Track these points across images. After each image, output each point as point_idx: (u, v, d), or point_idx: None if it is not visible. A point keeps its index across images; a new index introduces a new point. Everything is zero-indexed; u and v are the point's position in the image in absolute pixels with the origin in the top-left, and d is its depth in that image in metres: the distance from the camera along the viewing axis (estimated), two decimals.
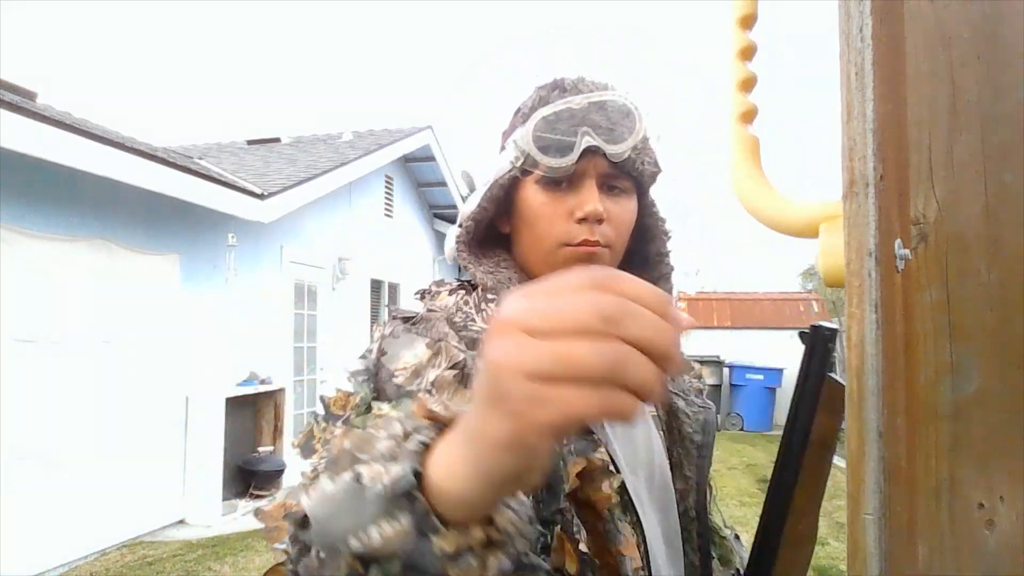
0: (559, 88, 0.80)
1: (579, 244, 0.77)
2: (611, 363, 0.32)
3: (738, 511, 5.89)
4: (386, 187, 8.86)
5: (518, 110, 0.83)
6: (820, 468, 0.72)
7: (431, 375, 0.67)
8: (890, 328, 0.49)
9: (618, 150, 0.76)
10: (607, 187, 0.79)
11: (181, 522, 5.32)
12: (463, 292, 0.80)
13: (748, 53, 0.80)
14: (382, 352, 0.71)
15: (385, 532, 0.40)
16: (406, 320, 0.75)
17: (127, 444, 4.85)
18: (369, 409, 0.67)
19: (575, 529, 0.67)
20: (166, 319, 5.19)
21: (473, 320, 0.75)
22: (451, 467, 0.40)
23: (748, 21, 0.79)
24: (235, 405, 5.64)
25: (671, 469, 0.82)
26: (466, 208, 0.85)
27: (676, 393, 0.88)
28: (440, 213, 10.38)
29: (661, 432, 0.84)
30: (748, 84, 0.81)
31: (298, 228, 6.90)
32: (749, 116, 0.82)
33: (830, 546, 4.83)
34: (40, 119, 3.81)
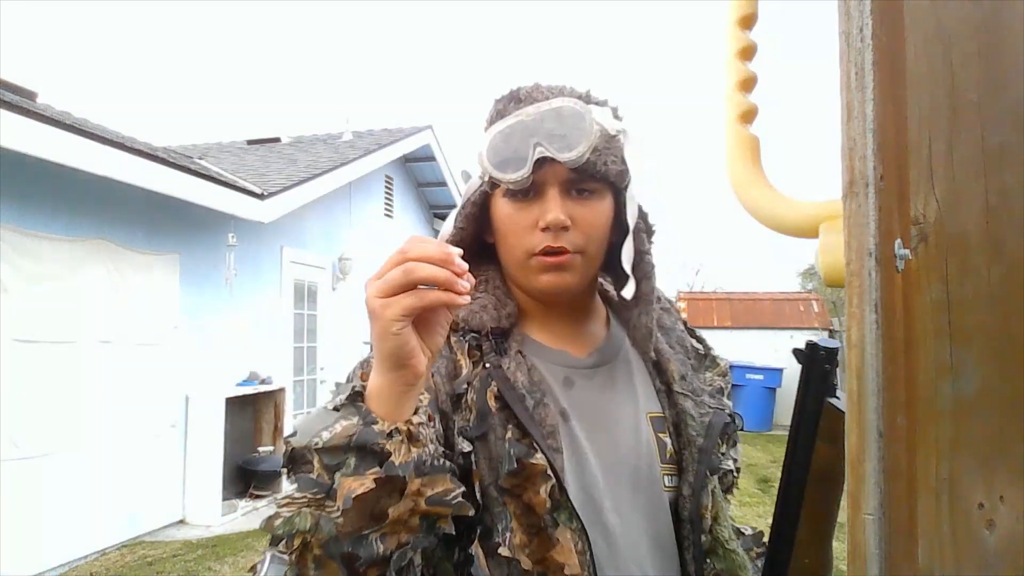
0: (514, 99, 0.81)
1: (542, 253, 0.78)
2: (405, 271, 0.57)
3: (738, 511, 5.89)
4: (386, 187, 8.86)
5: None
6: (826, 502, 0.66)
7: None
8: (890, 328, 0.49)
9: (571, 156, 0.76)
10: (575, 191, 0.79)
11: (181, 522, 5.32)
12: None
13: (748, 53, 0.80)
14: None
15: (343, 424, 0.60)
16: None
17: (127, 444, 4.85)
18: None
19: (507, 531, 0.72)
20: (166, 319, 5.19)
21: (459, 362, 0.79)
22: (371, 380, 0.63)
23: (748, 21, 0.79)
24: (235, 405, 5.64)
25: (680, 473, 0.81)
26: (444, 228, 0.88)
27: (684, 393, 0.85)
28: (440, 213, 10.38)
29: (666, 433, 0.83)
30: (748, 84, 0.81)
31: (298, 228, 6.90)
32: (749, 116, 0.82)
33: None
34: (40, 119, 3.81)
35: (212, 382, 5.64)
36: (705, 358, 0.93)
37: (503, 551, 0.70)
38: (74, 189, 4.41)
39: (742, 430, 11.14)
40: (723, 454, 0.86)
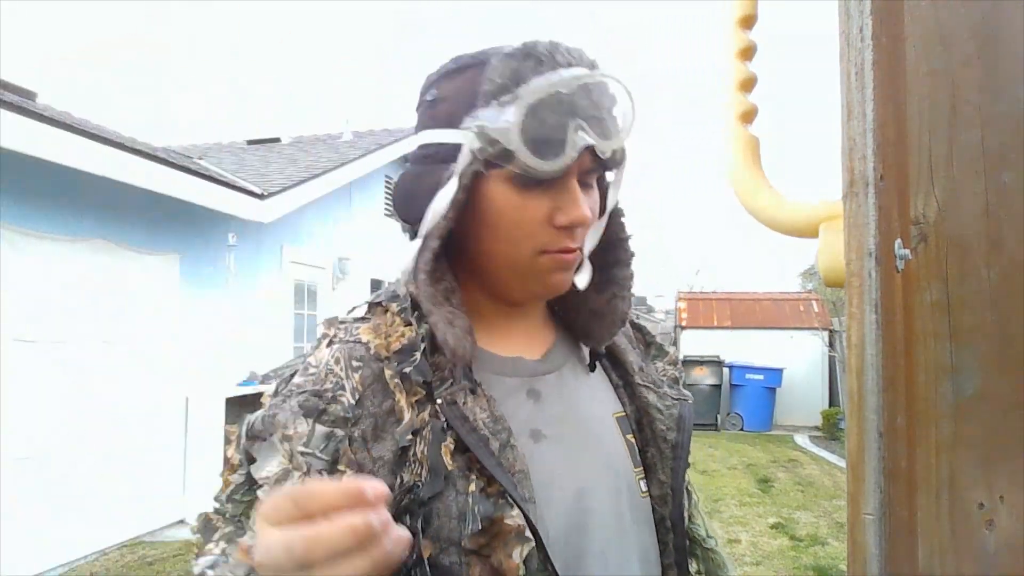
0: (533, 59, 0.64)
1: (559, 251, 0.67)
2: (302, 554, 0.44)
3: (738, 511, 5.89)
4: (386, 187, 8.86)
5: (466, 72, 0.67)
6: None
7: (296, 481, 0.61)
8: (890, 328, 0.49)
9: (612, 147, 0.65)
10: (582, 183, 0.68)
11: (181, 522, 5.32)
12: (345, 344, 0.66)
13: (748, 53, 0.80)
14: (250, 458, 0.63)
15: None
16: (283, 384, 0.67)
17: (127, 444, 4.85)
18: (234, 535, 0.62)
19: None
20: (166, 319, 5.19)
21: (340, 389, 0.63)
22: None
23: (748, 21, 0.79)
24: (235, 405, 5.64)
25: (646, 472, 0.74)
26: (428, 219, 0.66)
27: (646, 385, 0.78)
28: None
29: (631, 433, 0.76)
30: (748, 84, 0.81)
31: (298, 228, 6.90)
32: (749, 116, 0.82)
33: (830, 546, 4.83)
34: (40, 119, 3.81)
35: (212, 382, 5.64)
36: (650, 347, 0.86)
37: None
38: (74, 189, 4.41)
39: (742, 430, 11.14)
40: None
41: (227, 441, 0.67)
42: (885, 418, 0.49)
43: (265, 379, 6.04)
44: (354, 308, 0.73)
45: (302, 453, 0.61)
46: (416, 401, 0.64)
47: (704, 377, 11.42)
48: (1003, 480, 0.49)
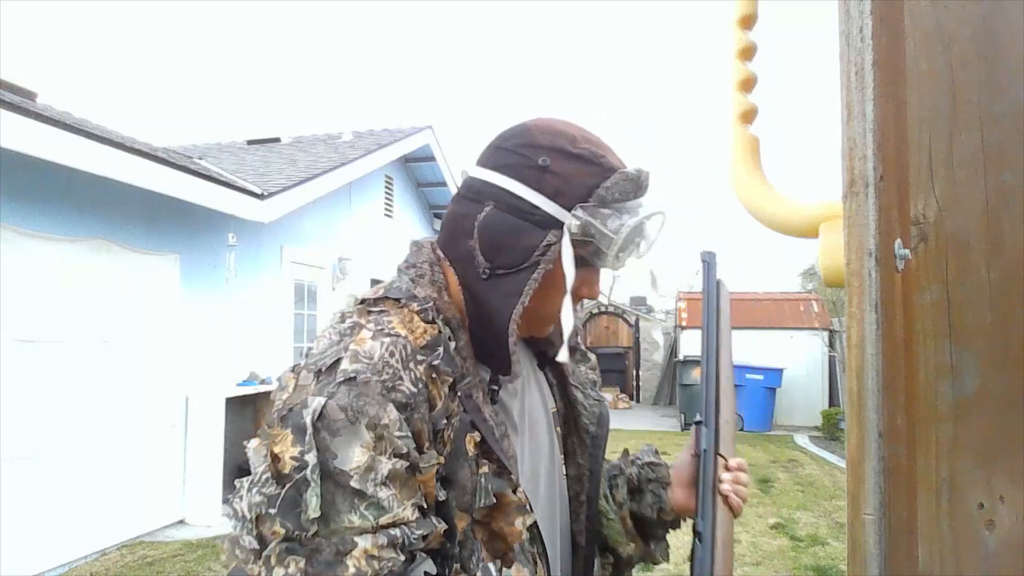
0: (635, 184, 0.80)
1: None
2: None
3: None
4: (386, 187, 8.86)
5: (583, 164, 0.80)
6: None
7: (383, 468, 0.66)
8: (890, 328, 0.49)
9: (640, 261, 0.84)
10: None
11: (181, 522, 5.32)
12: (387, 338, 0.73)
13: (748, 53, 0.80)
14: (324, 449, 0.66)
15: None
16: (326, 373, 0.71)
17: (127, 444, 4.85)
18: (325, 519, 0.65)
19: (480, 562, 0.73)
20: (166, 319, 5.19)
21: (400, 379, 0.71)
22: None
23: (748, 21, 0.79)
24: (235, 405, 5.64)
25: (565, 458, 0.92)
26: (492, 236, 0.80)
27: (575, 386, 0.95)
28: (440, 213, 10.38)
29: (559, 426, 0.93)
30: (748, 84, 0.81)
31: (298, 228, 6.90)
32: (749, 116, 0.82)
33: (830, 546, 4.83)
34: (40, 119, 3.81)
35: (212, 382, 5.64)
36: (576, 352, 1.00)
37: None
38: (74, 189, 4.41)
39: (742, 430, 11.14)
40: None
41: (274, 436, 0.69)
42: (885, 418, 0.49)
43: (264, 380, 6.05)
44: (362, 299, 0.81)
45: (399, 436, 0.68)
46: (446, 391, 0.74)
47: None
48: (1003, 480, 0.49)
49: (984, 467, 0.49)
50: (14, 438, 4.03)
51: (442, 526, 0.69)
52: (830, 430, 10.35)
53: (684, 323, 13.28)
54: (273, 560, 0.64)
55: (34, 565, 4.13)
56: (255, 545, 0.65)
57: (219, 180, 5.36)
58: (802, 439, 10.34)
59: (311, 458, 0.66)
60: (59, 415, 4.33)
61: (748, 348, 12.26)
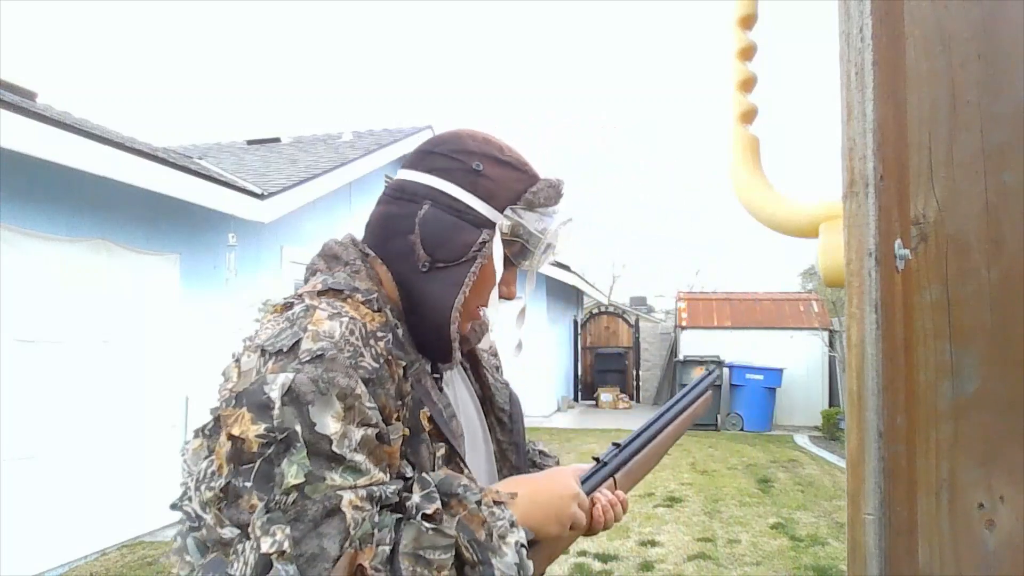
0: (556, 191, 0.92)
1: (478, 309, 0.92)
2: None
3: (738, 511, 5.89)
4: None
5: (512, 171, 0.90)
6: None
7: (355, 435, 0.71)
8: (890, 328, 0.49)
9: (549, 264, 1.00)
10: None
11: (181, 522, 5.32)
12: (344, 318, 0.77)
13: (748, 53, 0.80)
14: (298, 419, 0.68)
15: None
16: (286, 354, 0.73)
17: (127, 444, 4.85)
18: (309, 481, 0.67)
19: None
20: (166, 319, 5.19)
21: (362, 355, 0.75)
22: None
23: (748, 21, 0.79)
24: None
25: (488, 430, 1.03)
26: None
27: (487, 370, 1.05)
28: None
29: (477, 404, 1.03)
30: (748, 84, 0.81)
31: (298, 228, 6.90)
32: (749, 116, 0.82)
33: (830, 546, 4.83)
34: (40, 119, 3.81)
35: (212, 382, 5.62)
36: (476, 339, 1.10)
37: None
38: (74, 189, 4.41)
39: (742, 430, 11.14)
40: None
41: (230, 418, 0.71)
42: (885, 418, 0.49)
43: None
44: (301, 294, 0.85)
45: (368, 407, 0.73)
46: (400, 372, 0.81)
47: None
48: (1003, 480, 0.49)
49: (984, 467, 0.49)
50: (14, 438, 4.03)
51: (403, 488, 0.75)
52: (830, 430, 10.35)
53: (684, 323, 13.28)
54: (258, 531, 0.65)
55: (34, 565, 4.13)
56: (225, 536, 0.67)
57: (219, 180, 5.36)
58: (802, 439, 10.34)
59: (279, 434, 0.67)
60: (59, 415, 4.33)
61: (748, 348, 12.26)
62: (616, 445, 1.00)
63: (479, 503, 0.76)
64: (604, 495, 0.95)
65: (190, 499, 0.71)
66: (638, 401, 15.48)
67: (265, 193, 5.76)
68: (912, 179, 0.51)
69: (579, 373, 15.98)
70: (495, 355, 1.11)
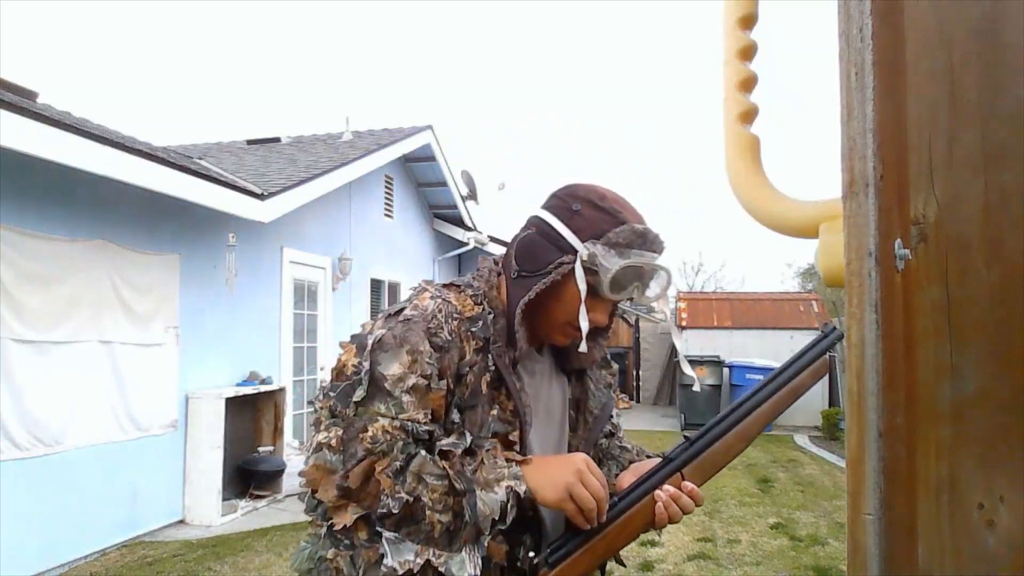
0: (643, 239, 1.05)
1: (575, 330, 1.06)
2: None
3: (738, 511, 5.89)
4: (386, 187, 8.86)
5: (604, 215, 1.06)
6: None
7: (409, 381, 0.99)
8: (890, 328, 0.49)
9: (641, 303, 1.19)
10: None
11: (181, 522, 5.32)
12: (440, 300, 1.06)
13: (748, 53, 0.80)
14: (375, 360, 1.00)
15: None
16: (392, 317, 1.05)
17: (127, 444, 4.85)
18: (363, 403, 0.99)
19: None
20: (166, 319, 5.19)
21: (441, 328, 1.03)
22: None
23: (748, 21, 0.79)
24: (235, 405, 5.64)
25: (571, 431, 1.19)
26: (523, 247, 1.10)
27: (591, 379, 1.21)
28: (440, 213, 10.38)
29: (572, 410, 1.20)
30: (748, 84, 0.81)
31: (298, 228, 6.90)
32: (749, 116, 0.82)
33: (830, 546, 4.83)
34: (40, 119, 3.81)
35: (212, 382, 5.64)
36: (597, 354, 1.22)
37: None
38: (74, 189, 4.41)
39: None
40: (613, 423, 1.31)
41: (345, 349, 1.04)
42: (885, 418, 0.49)
43: (264, 380, 6.05)
44: (430, 282, 1.14)
45: (428, 363, 1.00)
46: (475, 349, 1.05)
47: (704, 377, 11.42)
48: (1003, 480, 0.49)
49: (984, 467, 0.49)
50: (14, 438, 4.03)
51: (443, 433, 1.01)
52: (830, 430, 10.34)
53: (684, 323, 13.28)
54: (322, 426, 0.99)
55: (34, 565, 4.13)
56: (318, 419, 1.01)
57: (219, 180, 5.35)
58: (802, 439, 10.34)
59: (364, 366, 0.99)
60: (59, 415, 4.33)
61: (748, 348, 12.25)
62: (687, 439, 1.04)
63: (488, 452, 0.99)
64: (666, 490, 1.00)
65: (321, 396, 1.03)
66: (638, 401, 15.47)
67: (265, 193, 5.76)
68: (912, 179, 0.51)
69: None
70: (613, 375, 1.28)
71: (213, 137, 12.05)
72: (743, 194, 0.81)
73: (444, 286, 1.10)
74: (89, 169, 4.13)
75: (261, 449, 6.11)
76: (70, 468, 4.41)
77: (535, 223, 1.10)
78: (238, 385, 5.83)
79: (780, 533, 5.22)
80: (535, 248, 1.07)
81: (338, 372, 1.02)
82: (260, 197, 5.69)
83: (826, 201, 0.72)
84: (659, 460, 1.06)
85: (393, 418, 0.96)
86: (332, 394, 1.00)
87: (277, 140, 9.36)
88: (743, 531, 5.29)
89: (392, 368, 0.98)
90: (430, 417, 0.99)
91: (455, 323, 1.04)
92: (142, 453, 4.97)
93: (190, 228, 5.43)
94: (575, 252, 1.04)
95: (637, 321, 16.58)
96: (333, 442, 0.96)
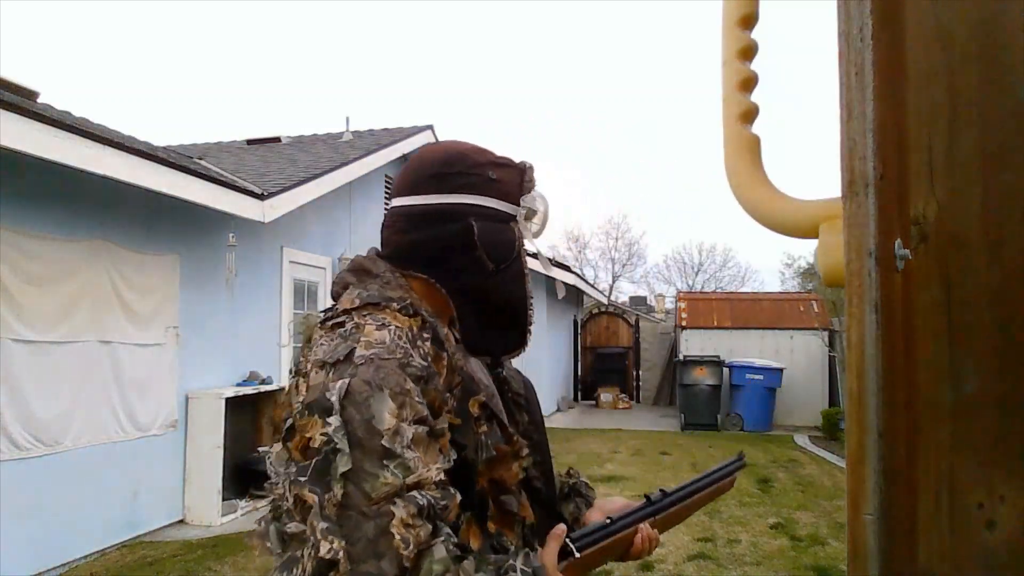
0: (532, 168, 1.05)
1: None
2: None
3: (738, 511, 5.89)
4: (386, 187, 8.86)
5: (511, 169, 1.02)
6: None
7: (408, 432, 0.77)
8: (890, 328, 0.49)
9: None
10: None
11: (181, 522, 5.32)
12: (392, 327, 0.85)
13: (748, 53, 0.80)
14: (349, 418, 0.76)
15: None
16: (344, 363, 0.81)
17: (127, 444, 4.85)
18: (353, 476, 0.74)
19: (487, 509, 0.89)
20: (166, 319, 5.19)
21: (411, 356, 0.84)
22: None
23: (748, 21, 0.79)
24: (235, 405, 5.64)
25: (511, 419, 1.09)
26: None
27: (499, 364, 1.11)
28: None
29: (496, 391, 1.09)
30: (748, 84, 0.81)
31: (298, 228, 6.90)
32: (749, 116, 0.82)
33: (830, 546, 4.83)
34: (40, 119, 3.81)
35: (212, 382, 5.64)
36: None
37: (490, 525, 0.89)
38: (74, 189, 4.40)
39: (742, 430, 11.14)
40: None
41: (301, 426, 0.79)
42: (885, 418, 0.49)
43: (264, 380, 6.05)
44: (337, 308, 0.93)
45: (418, 402, 0.80)
46: (446, 365, 0.88)
47: (704, 377, 11.42)
48: (1003, 480, 0.49)
49: (984, 467, 0.49)
50: (14, 438, 4.03)
51: (458, 497, 0.80)
52: (830, 430, 10.35)
53: (684, 323, 13.28)
54: (318, 535, 0.72)
55: (34, 565, 4.13)
56: (290, 529, 0.77)
57: (219, 180, 5.35)
58: (802, 439, 10.34)
59: (339, 429, 0.75)
60: (59, 415, 4.33)
61: (748, 348, 12.26)
62: (663, 491, 1.10)
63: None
64: (646, 528, 1.04)
65: (275, 493, 0.80)
66: (638, 401, 15.48)
67: (265, 193, 5.76)
68: (912, 179, 0.51)
69: (579, 373, 15.97)
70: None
71: (213, 137, 12.06)
72: (743, 194, 0.81)
73: (372, 309, 0.89)
74: (89, 169, 4.13)
75: (261, 449, 6.11)
76: (70, 468, 4.41)
77: (470, 212, 0.96)
78: (238, 385, 5.83)
79: (780, 533, 5.22)
80: (497, 235, 0.97)
81: (302, 449, 0.77)
82: (260, 197, 5.69)
83: (826, 201, 0.72)
84: (628, 501, 1.11)
85: (403, 488, 0.74)
86: (302, 479, 0.75)
87: (277, 140, 9.36)
88: (743, 531, 5.29)
89: (383, 418, 0.76)
90: (446, 469, 0.80)
91: (423, 343, 0.87)
92: (142, 453, 4.97)
93: (190, 228, 5.43)
94: (514, 218, 1.00)
95: (637, 321, 16.59)
96: (340, 556, 0.71)
